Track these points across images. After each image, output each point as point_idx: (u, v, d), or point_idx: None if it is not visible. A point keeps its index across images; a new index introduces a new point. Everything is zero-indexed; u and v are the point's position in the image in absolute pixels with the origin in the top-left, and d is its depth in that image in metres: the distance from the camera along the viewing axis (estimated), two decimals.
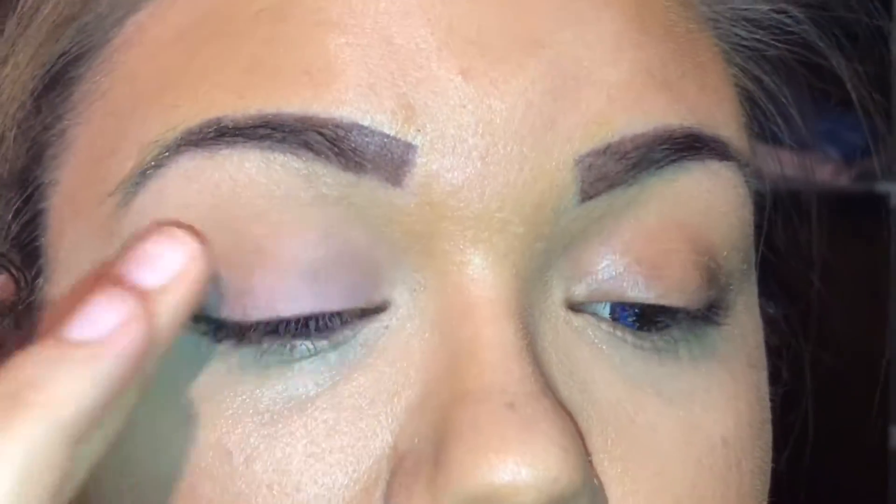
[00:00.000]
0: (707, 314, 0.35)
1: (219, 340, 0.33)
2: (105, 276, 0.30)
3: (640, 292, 0.34)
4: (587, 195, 0.33)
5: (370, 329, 0.33)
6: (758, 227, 0.39)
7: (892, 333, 2.11)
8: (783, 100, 0.41)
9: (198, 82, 0.33)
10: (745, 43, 0.38)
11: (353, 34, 0.32)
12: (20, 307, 0.37)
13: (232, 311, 0.33)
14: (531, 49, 0.32)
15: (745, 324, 0.37)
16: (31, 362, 0.29)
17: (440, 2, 0.32)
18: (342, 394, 0.33)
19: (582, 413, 0.34)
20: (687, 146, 0.34)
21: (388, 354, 0.33)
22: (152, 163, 0.33)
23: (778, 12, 0.39)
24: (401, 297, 0.33)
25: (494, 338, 0.32)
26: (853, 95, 0.44)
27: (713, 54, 0.36)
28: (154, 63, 0.34)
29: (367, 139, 0.32)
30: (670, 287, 0.34)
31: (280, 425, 0.33)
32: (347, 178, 0.32)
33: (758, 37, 0.39)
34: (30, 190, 0.37)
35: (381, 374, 0.33)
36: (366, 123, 0.32)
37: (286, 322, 0.33)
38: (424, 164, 0.32)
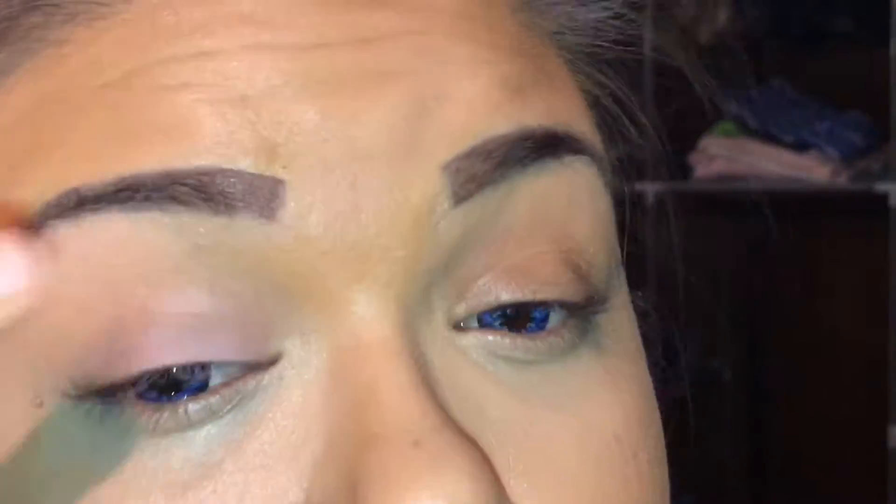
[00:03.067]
0: (585, 304, 0.36)
1: (112, 415, 0.33)
2: None
3: (513, 294, 0.35)
4: (459, 197, 0.34)
5: (266, 382, 0.33)
6: (620, 224, 0.40)
7: (892, 333, 2.11)
8: (629, 102, 0.42)
9: (47, 156, 0.33)
10: (587, 50, 0.40)
11: (206, 92, 0.33)
12: None
13: (118, 374, 0.33)
14: (387, 79, 0.34)
15: (620, 320, 0.38)
16: None
17: (291, 54, 0.33)
18: (248, 453, 0.33)
19: (482, 437, 0.34)
20: (546, 144, 0.35)
21: (286, 407, 0.33)
22: None
23: (614, 18, 0.40)
24: (293, 346, 0.33)
25: (390, 378, 0.33)
26: (701, 91, 0.46)
27: (558, 64, 0.38)
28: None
29: (232, 180, 0.32)
30: (544, 282, 0.35)
31: (190, 494, 0.33)
32: (220, 221, 0.32)
33: (599, 43, 0.40)
34: None
35: (283, 429, 0.33)
36: (229, 167, 0.32)
37: (178, 382, 0.33)
38: (296, 198, 0.33)
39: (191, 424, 0.33)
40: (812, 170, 2.16)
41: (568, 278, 0.36)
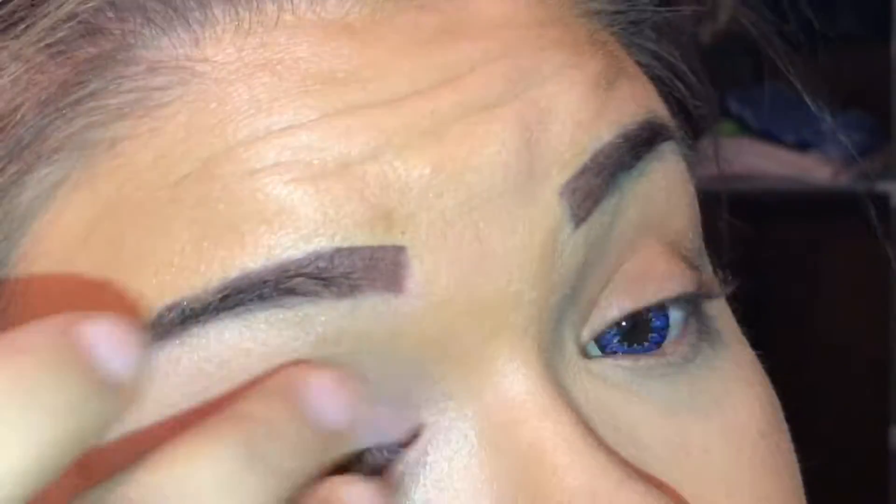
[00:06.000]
0: (698, 292, 0.34)
1: None
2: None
3: (635, 302, 0.33)
4: (579, 218, 0.31)
5: (408, 459, 0.31)
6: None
7: (892, 333, 2.11)
8: (677, 63, 0.40)
9: (138, 270, 0.30)
10: (630, 18, 0.37)
11: (301, 169, 0.29)
12: None
13: None
14: (490, 114, 0.31)
15: (722, 303, 0.36)
16: None
17: (387, 109, 0.30)
18: None
19: (645, 467, 0.32)
20: (644, 139, 0.33)
21: (442, 484, 0.31)
22: None
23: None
24: (431, 416, 0.31)
25: (555, 437, 0.30)
26: (797, 84, 0.43)
27: (616, 46, 0.35)
28: (71, 270, 0.30)
29: (353, 257, 0.29)
30: (661, 280, 0.33)
31: None
32: (344, 306, 0.29)
33: (637, 8, 0.37)
34: None
35: None
36: (346, 245, 0.29)
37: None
38: (421, 263, 0.30)
39: None
40: (813, 170, 2.16)
41: (681, 269, 0.34)
